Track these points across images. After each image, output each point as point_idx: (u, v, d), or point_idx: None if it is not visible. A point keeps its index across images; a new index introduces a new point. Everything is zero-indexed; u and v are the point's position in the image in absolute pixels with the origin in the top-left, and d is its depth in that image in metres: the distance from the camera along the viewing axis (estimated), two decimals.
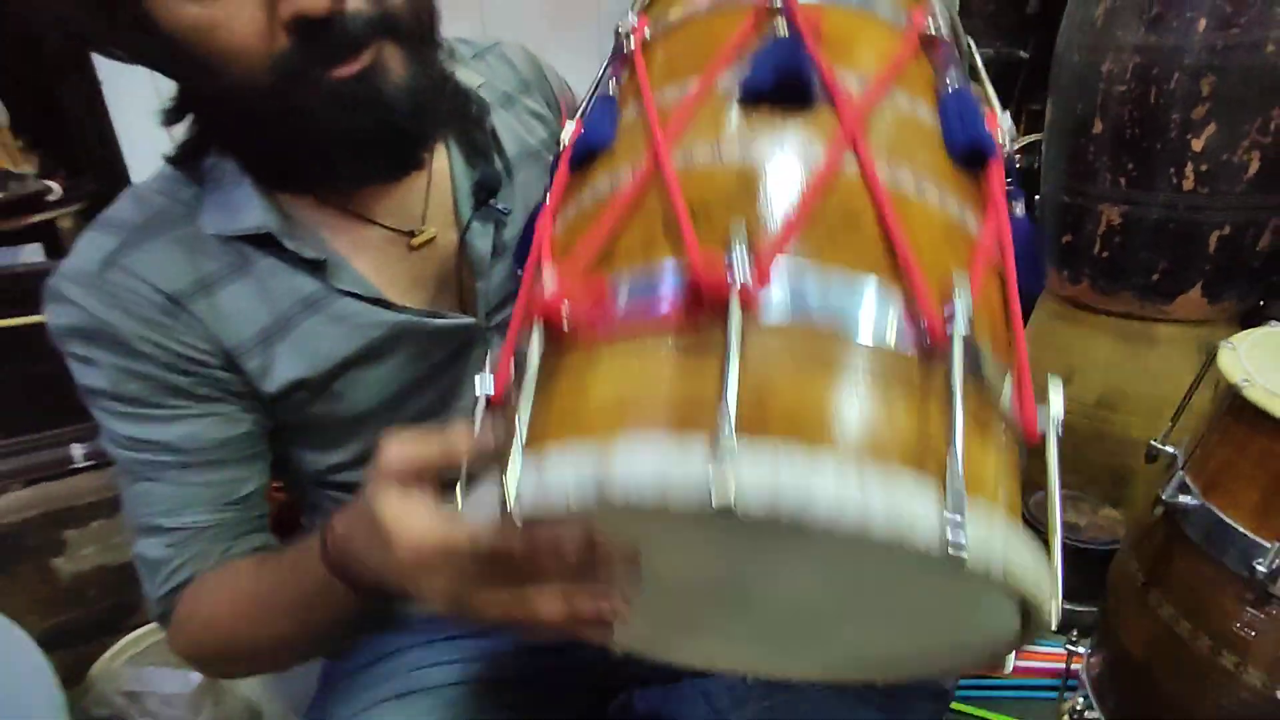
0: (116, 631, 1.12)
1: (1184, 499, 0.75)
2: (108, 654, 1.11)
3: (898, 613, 0.40)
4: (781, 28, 0.37)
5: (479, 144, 0.61)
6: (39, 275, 0.52)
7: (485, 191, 0.60)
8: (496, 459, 0.33)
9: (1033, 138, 1.67)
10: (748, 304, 0.30)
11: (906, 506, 0.27)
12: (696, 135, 0.36)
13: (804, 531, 0.27)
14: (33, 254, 1.05)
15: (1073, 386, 1.34)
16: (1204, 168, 1.13)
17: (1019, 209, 0.39)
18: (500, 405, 0.36)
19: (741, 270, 0.30)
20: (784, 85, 0.35)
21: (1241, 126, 1.09)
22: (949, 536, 0.27)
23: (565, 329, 0.33)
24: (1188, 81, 1.09)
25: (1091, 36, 1.19)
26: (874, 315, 0.32)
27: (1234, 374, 0.71)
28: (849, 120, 0.35)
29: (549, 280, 0.34)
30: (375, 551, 0.38)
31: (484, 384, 0.37)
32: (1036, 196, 1.41)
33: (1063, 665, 0.97)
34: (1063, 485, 0.33)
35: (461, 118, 0.60)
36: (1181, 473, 0.77)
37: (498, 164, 0.62)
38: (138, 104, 1.03)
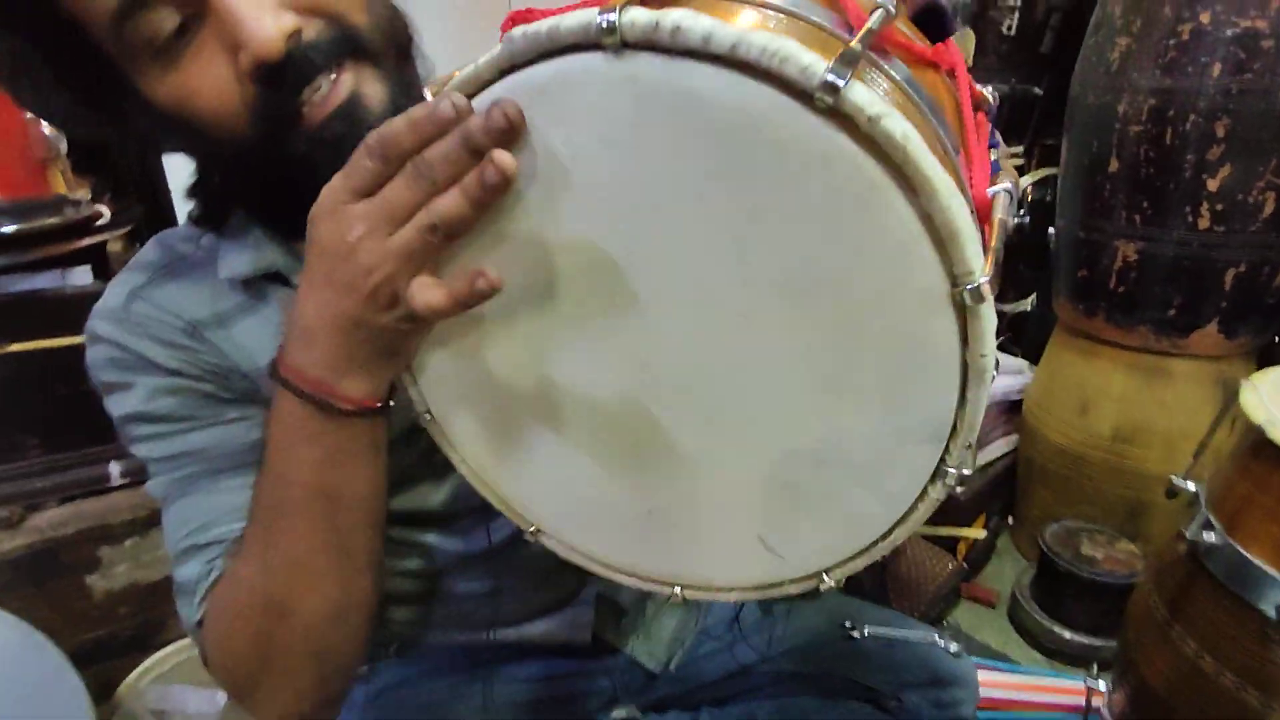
0: (145, 649, 1.14)
1: (1208, 536, 0.76)
2: (135, 672, 1.12)
3: (820, 314, 0.33)
4: None
5: None
6: (88, 297, 0.54)
7: None
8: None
9: (1047, 171, 1.69)
10: None
11: (790, 47, 0.26)
12: None
13: (691, 107, 0.28)
14: (81, 276, 1.08)
15: (1088, 419, 1.35)
16: (1219, 207, 1.15)
17: None
18: None
19: None
20: None
21: (1257, 168, 1.12)
22: (828, 78, 0.26)
23: None
24: (1203, 124, 1.12)
25: (1107, 78, 1.22)
26: None
27: (1258, 415, 0.73)
28: None
29: None
30: (307, 274, 0.38)
31: None
32: (1051, 229, 1.44)
33: (1083, 701, 0.98)
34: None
35: None
36: (1205, 510, 0.78)
37: None
38: None
